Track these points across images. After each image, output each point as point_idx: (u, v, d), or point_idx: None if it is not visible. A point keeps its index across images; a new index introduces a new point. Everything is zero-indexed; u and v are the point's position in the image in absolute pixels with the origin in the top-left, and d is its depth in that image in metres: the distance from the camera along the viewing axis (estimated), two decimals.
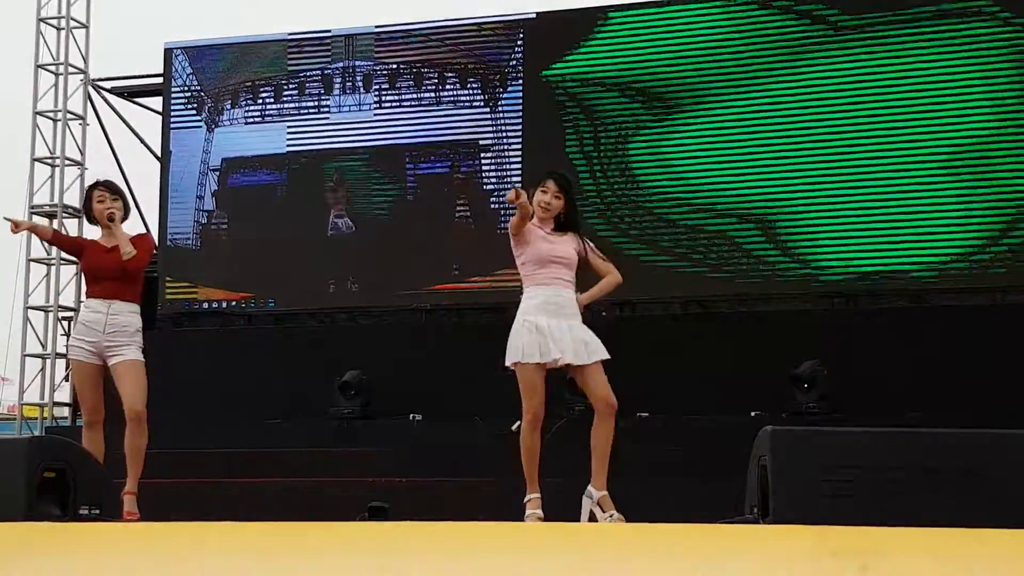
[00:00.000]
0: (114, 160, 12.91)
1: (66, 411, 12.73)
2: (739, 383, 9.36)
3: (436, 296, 11.08)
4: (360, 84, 11.60)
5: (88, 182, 12.47)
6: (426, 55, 11.44)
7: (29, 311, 12.59)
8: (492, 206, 11.03)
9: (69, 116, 12.78)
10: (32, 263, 12.66)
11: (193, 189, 11.96)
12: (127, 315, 6.13)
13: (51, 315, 12.65)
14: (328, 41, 11.78)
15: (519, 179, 10.91)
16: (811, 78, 10.29)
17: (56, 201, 12.66)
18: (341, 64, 11.69)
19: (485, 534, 3.69)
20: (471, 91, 11.27)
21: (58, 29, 12.81)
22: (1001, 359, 9.09)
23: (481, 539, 3.55)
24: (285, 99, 11.80)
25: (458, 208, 11.20)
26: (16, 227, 6.40)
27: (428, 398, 10.18)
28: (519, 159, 11.03)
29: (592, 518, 5.50)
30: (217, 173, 11.94)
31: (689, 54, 10.61)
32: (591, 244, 5.78)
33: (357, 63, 11.64)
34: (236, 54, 12.03)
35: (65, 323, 12.66)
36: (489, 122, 11.20)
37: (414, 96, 11.45)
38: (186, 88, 12.13)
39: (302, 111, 11.76)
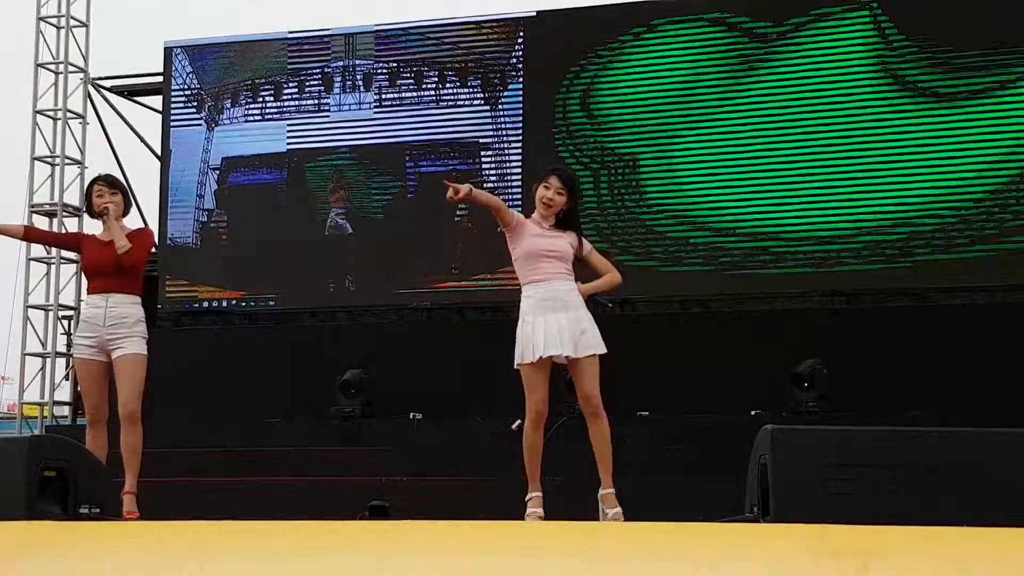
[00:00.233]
0: (114, 159, 12.92)
1: (66, 410, 12.73)
2: (739, 382, 9.36)
3: (437, 295, 11.08)
4: (360, 83, 11.61)
5: (88, 181, 12.53)
6: (426, 54, 11.44)
7: (29, 310, 12.59)
8: None
9: (69, 115, 12.78)
10: (32, 262, 12.66)
11: (193, 188, 11.96)
12: (126, 306, 6.08)
13: (51, 314, 12.65)
14: (328, 40, 11.78)
15: (519, 177, 10.92)
16: (807, 84, 10.30)
17: (56, 200, 12.66)
18: (341, 63, 11.69)
19: (486, 533, 3.69)
20: (471, 90, 11.28)
21: (58, 28, 12.81)
22: (1001, 358, 9.09)
23: (482, 538, 3.55)
24: (285, 98, 11.81)
25: (458, 207, 11.19)
26: None
27: (429, 397, 10.18)
28: (519, 158, 11.03)
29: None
30: (217, 172, 11.95)
31: (680, 67, 10.63)
32: (589, 244, 5.75)
33: (357, 62, 11.64)
34: (236, 53, 12.03)
35: (65, 322, 12.66)
36: (489, 121, 11.20)
37: (414, 95, 11.45)
38: (186, 87, 12.13)
39: (302, 110, 11.76)
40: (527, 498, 5.54)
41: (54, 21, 12.81)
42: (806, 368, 9.24)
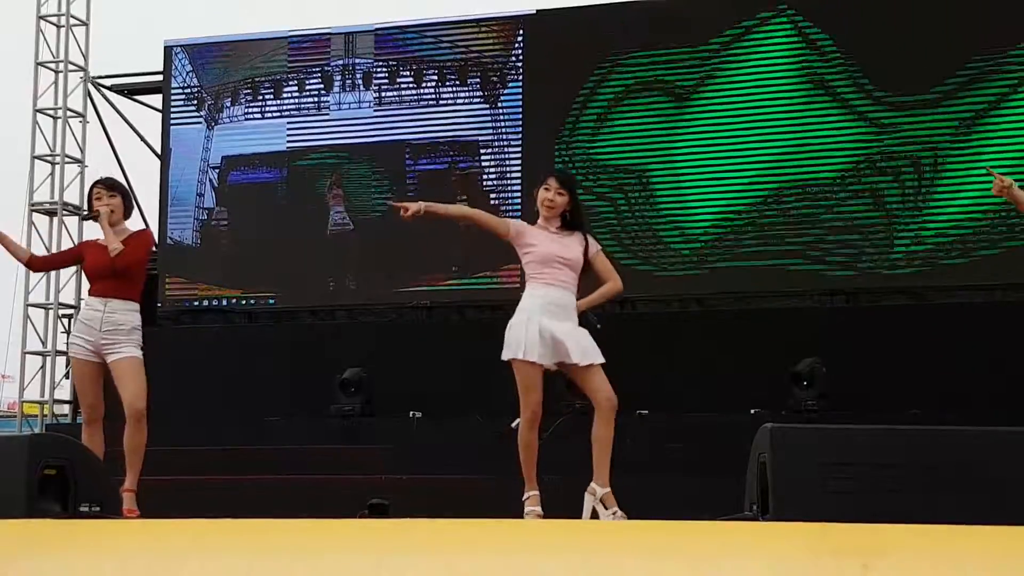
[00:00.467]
0: (114, 158, 12.92)
1: (66, 408, 12.74)
2: (739, 381, 9.37)
3: (436, 294, 11.08)
4: (360, 82, 11.61)
5: (88, 180, 12.55)
6: (426, 53, 11.44)
7: (29, 308, 12.59)
8: (492, 203, 11.02)
9: (69, 114, 12.78)
10: None
11: (193, 187, 11.96)
12: (123, 313, 6.06)
13: (51, 312, 12.65)
14: (328, 39, 11.78)
15: (519, 176, 10.93)
16: (804, 79, 10.31)
17: (56, 199, 12.66)
18: (341, 62, 11.69)
19: (484, 531, 3.69)
20: (471, 88, 11.28)
21: (58, 27, 12.81)
22: (1001, 357, 9.09)
23: (480, 536, 3.55)
24: (285, 97, 11.81)
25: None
26: None
27: (428, 396, 10.18)
28: (519, 156, 11.03)
29: (594, 515, 5.49)
30: (217, 171, 11.95)
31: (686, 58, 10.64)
32: (599, 245, 5.75)
33: (357, 61, 11.64)
34: (236, 52, 12.03)
35: (65, 320, 12.65)
36: (489, 119, 11.20)
37: (414, 93, 11.45)
38: (186, 86, 12.13)
39: (302, 109, 11.76)
40: (524, 497, 5.54)
41: (54, 20, 12.81)
42: (805, 367, 9.24)
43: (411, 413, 10.15)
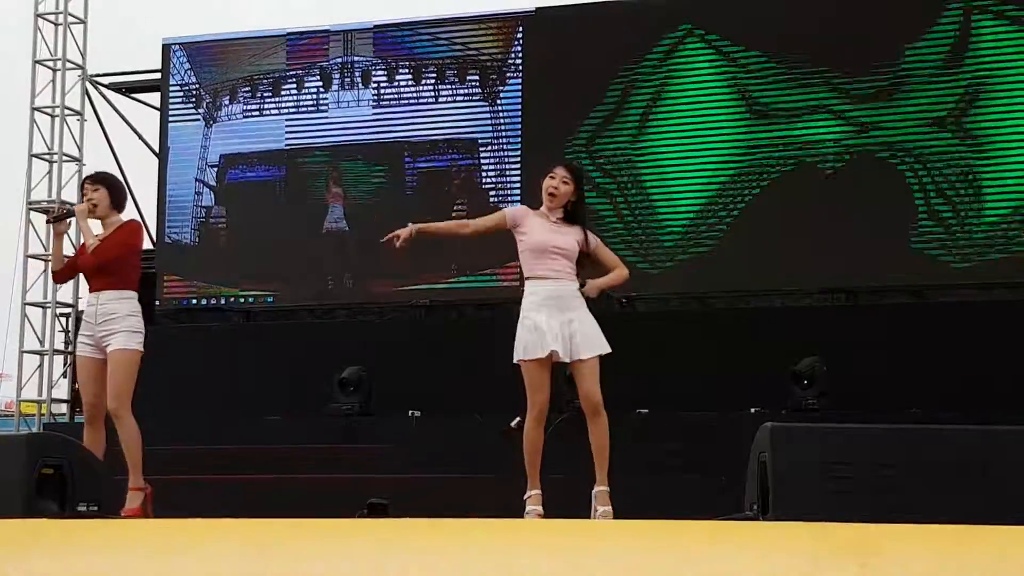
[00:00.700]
0: (112, 156, 12.90)
1: (64, 408, 12.72)
2: (739, 379, 9.36)
3: (436, 292, 11.07)
4: (359, 80, 11.59)
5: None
6: (425, 50, 11.43)
7: (27, 307, 12.57)
8: (491, 202, 11.02)
9: (67, 112, 12.75)
10: (30, 259, 12.64)
11: (191, 185, 11.95)
12: (115, 302, 6.02)
13: (49, 311, 12.63)
14: (327, 37, 11.77)
15: (518, 174, 10.92)
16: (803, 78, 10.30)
17: (53, 197, 12.63)
18: (340, 60, 11.67)
19: (485, 531, 3.68)
20: (470, 86, 11.27)
21: (55, 25, 12.78)
22: (1001, 356, 9.08)
23: (481, 536, 3.54)
24: (283, 95, 11.79)
25: (457, 204, 11.19)
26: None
27: (427, 395, 10.17)
28: (518, 154, 11.02)
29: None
30: (215, 169, 11.94)
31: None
32: (599, 239, 5.75)
33: (356, 59, 11.63)
34: (234, 50, 12.02)
35: (63, 319, 12.64)
36: (488, 117, 11.19)
37: (413, 91, 11.44)
38: (184, 84, 12.11)
39: (300, 107, 11.75)
40: (526, 496, 5.54)
41: (52, 18, 12.78)
42: (806, 366, 9.23)
43: (410, 412, 10.14)
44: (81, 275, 6.68)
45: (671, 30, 10.66)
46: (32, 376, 12.55)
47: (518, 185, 10.89)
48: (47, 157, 12.71)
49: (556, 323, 5.45)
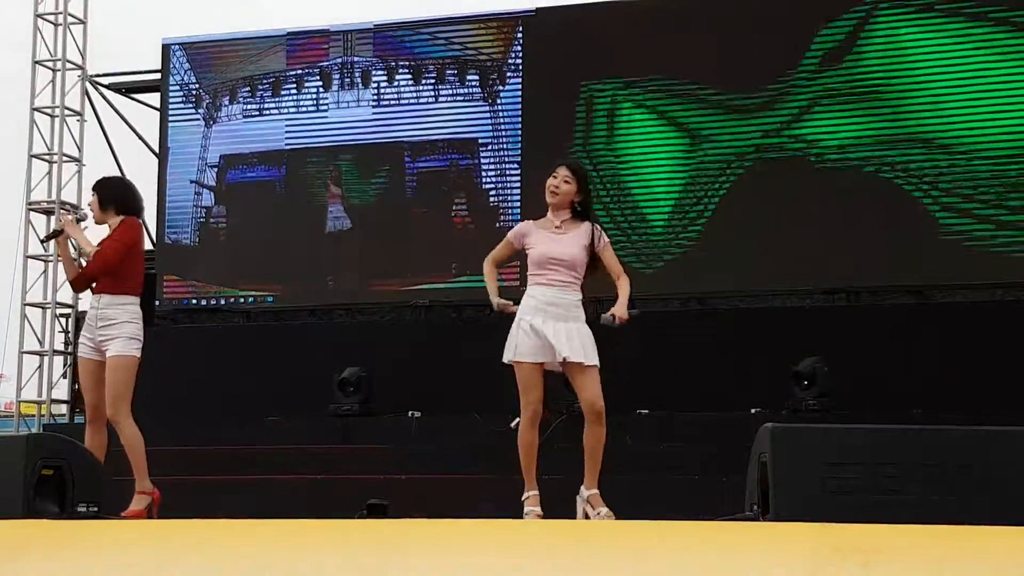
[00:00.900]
0: (112, 157, 12.90)
1: (64, 408, 12.72)
2: (739, 380, 9.36)
3: (435, 292, 11.07)
4: (359, 80, 11.59)
5: (85, 178, 12.54)
6: (424, 51, 11.43)
7: (27, 308, 12.57)
8: (491, 202, 11.02)
9: (67, 112, 12.75)
10: (29, 259, 12.64)
11: (191, 185, 11.95)
12: (114, 308, 6.02)
13: (48, 312, 12.62)
14: (326, 37, 11.77)
15: (518, 174, 10.91)
16: (806, 73, 10.30)
17: (53, 198, 12.63)
18: (340, 60, 11.67)
19: (484, 531, 3.68)
20: (469, 87, 11.26)
21: (55, 25, 12.78)
22: (1002, 356, 9.08)
23: (480, 536, 3.55)
24: (283, 95, 11.79)
25: (456, 204, 11.19)
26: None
27: (427, 395, 10.17)
28: (517, 154, 11.02)
29: (587, 517, 5.51)
30: (215, 169, 11.93)
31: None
32: (607, 239, 5.73)
33: (355, 59, 11.62)
34: (234, 50, 12.01)
35: (63, 320, 12.64)
36: (488, 118, 11.19)
37: (412, 92, 11.43)
38: (184, 84, 12.11)
39: (300, 107, 11.75)
40: (524, 497, 5.54)
41: (51, 18, 12.78)
42: (806, 366, 9.22)
43: (410, 412, 10.14)
44: None
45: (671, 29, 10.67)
46: (32, 377, 12.55)
47: (518, 185, 10.89)
48: (47, 157, 12.71)
49: (551, 329, 5.45)
